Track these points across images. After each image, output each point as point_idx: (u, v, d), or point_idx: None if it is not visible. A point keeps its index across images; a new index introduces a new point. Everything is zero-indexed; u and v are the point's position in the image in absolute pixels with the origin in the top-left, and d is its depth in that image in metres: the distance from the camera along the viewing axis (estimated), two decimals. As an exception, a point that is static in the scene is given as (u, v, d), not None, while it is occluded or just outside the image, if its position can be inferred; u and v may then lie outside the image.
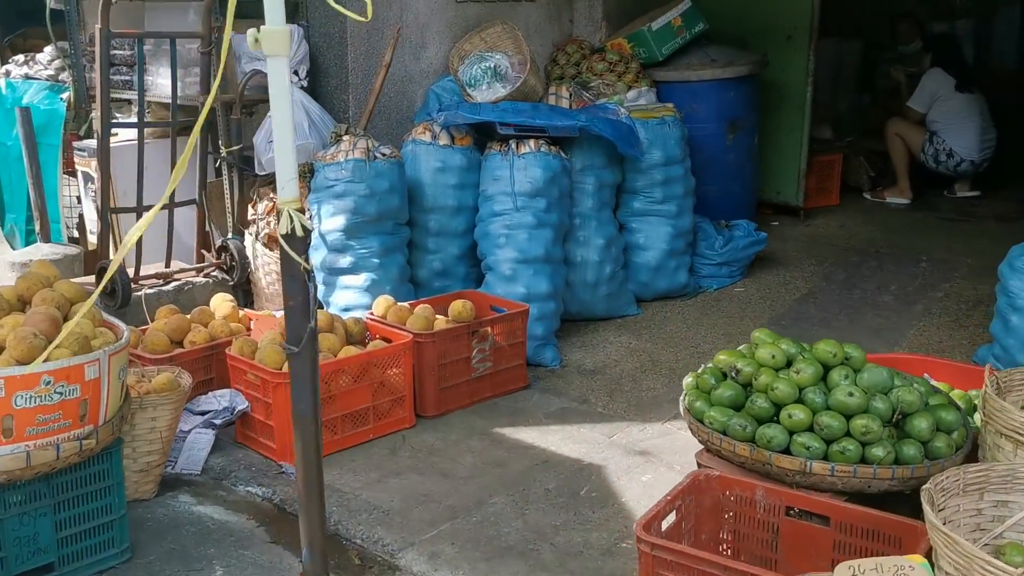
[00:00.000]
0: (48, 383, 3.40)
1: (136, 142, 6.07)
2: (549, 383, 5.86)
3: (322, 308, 6.08)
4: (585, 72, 7.58)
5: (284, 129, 2.76)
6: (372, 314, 5.59)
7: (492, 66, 6.96)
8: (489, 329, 5.53)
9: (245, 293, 6.62)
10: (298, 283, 2.85)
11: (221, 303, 5.65)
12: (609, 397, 5.62)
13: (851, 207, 9.62)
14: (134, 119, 6.39)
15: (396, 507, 4.39)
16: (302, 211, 2.84)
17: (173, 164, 6.02)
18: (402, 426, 5.21)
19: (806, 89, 8.47)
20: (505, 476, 4.67)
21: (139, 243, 6.13)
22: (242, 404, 4.92)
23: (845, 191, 9.81)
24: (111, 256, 6.08)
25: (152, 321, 5.46)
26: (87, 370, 3.52)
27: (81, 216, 7.50)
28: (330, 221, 5.90)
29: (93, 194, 7.08)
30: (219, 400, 4.97)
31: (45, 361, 3.45)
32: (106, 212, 5.91)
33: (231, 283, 6.47)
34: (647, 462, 4.80)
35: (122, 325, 3.98)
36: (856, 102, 10.92)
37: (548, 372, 5.99)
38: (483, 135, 6.51)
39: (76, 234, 7.57)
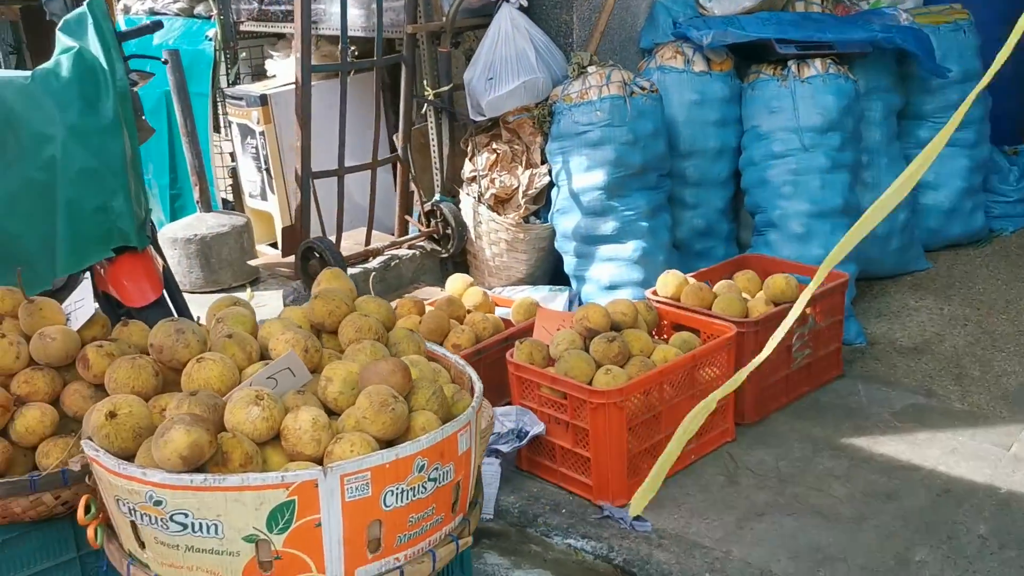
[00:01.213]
0: (422, 468, 2.29)
1: (293, 86, 4.85)
2: (866, 368, 4.70)
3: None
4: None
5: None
6: (655, 293, 4.42)
7: (736, -31, 5.62)
8: (809, 309, 4.35)
9: (456, 266, 5.48)
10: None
11: (464, 287, 4.50)
12: (959, 386, 4.45)
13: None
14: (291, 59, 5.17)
15: (792, 571, 3.28)
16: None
17: (343, 111, 4.81)
18: (723, 440, 4.09)
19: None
20: (908, 516, 3.54)
21: (339, 212, 4.99)
22: (535, 427, 3.81)
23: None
24: (309, 231, 4.93)
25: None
26: (460, 440, 2.40)
27: (234, 177, 6.36)
28: (584, 177, 4.70)
29: (253, 151, 5.92)
30: (503, 421, 3.85)
31: (410, 436, 2.34)
32: (307, 177, 4.73)
33: (444, 255, 5.32)
34: (1088, 488, 3.65)
35: (451, 356, 2.84)
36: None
37: (856, 353, 4.82)
38: (742, 57, 5.23)
39: (230, 197, 6.44)
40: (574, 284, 4.88)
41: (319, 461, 2.30)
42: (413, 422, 2.37)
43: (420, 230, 5.29)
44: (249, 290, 5.79)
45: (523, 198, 5.00)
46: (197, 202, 5.84)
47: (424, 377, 2.55)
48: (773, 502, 3.68)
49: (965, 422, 4.15)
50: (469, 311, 4.34)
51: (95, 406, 2.31)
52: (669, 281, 4.36)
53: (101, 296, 4.38)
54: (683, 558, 3.38)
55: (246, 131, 6.03)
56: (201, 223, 5.70)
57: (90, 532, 2.37)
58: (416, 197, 5.34)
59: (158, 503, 2.16)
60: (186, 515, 2.16)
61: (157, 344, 2.48)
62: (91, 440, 2.28)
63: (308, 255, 4.73)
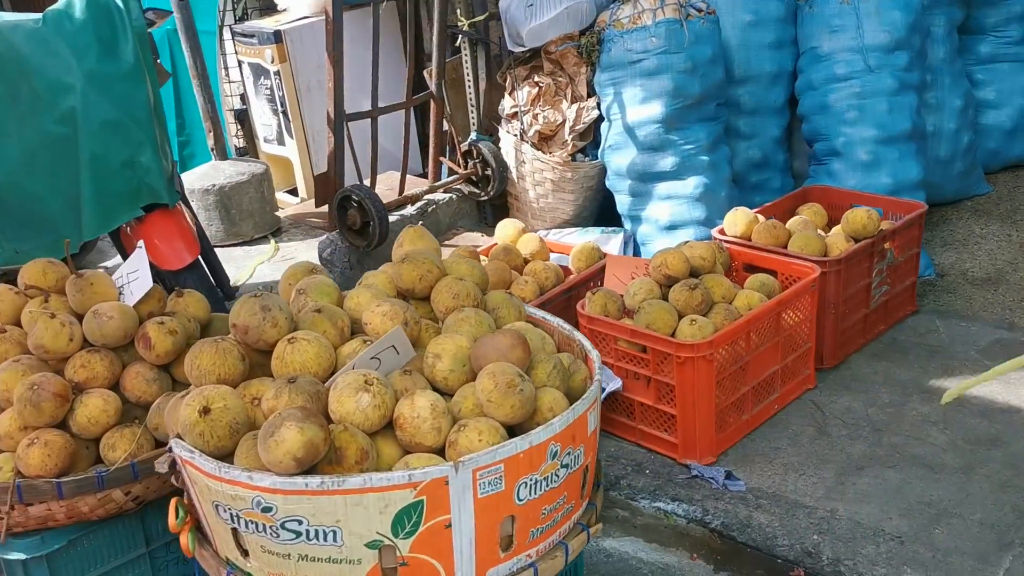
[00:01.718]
0: (555, 455, 2.03)
1: (308, 20, 4.47)
2: (939, 302, 4.46)
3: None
4: None
5: None
6: (722, 233, 4.14)
7: None
8: (889, 243, 4.09)
9: (495, 209, 5.17)
10: None
11: (517, 234, 4.20)
12: (1043, 319, 4.22)
13: None
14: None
15: (907, 530, 3.06)
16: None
17: (375, 46, 4.43)
18: (804, 388, 3.86)
19: None
20: (1018, 463, 3.33)
21: (373, 157, 4.66)
22: (612, 383, 3.56)
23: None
24: (343, 179, 4.60)
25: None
26: (589, 420, 2.14)
27: (243, 120, 5.99)
28: (640, 109, 4.38)
29: (268, 93, 5.55)
30: (576, 377, 3.58)
31: (536, 418, 2.07)
32: (341, 120, 4.38)
33: (483, 198, 5.01)
34: None
35: (551, 319, 2.57)
36: None
37: (927, 286, 4.57)
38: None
39: (240, 143, 6.07)
40: (628, 225, 4.60)
41: (439, 452, 2.04)
42: (539, 402, 2.11)
43: (457, 172, 4.96)
44: (273, 242, 5.47)
45: (570, 134, 4.67)
46: (212, 150, 5.48)
47: (539, 348, 2.28)
48: (871, 454, 3.45)
49: (1057, 358, 3.92)
50: (526, 260, 4.05)
51: (183, 400, 2.03)
52: (738, 219, 4.08)
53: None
54: (785, 519, 3.17)
55: (259, 71, 5.65)
56: (218, 172, 5.34)
57: (184, 539, 2.11)
58: (451, 137, 5.00)
59: (267, 510, 1.90)
60: (300, 522, 1.90)
61: (242, 324, 2.19)
62: (181, 439, 2.01)
63: (345, 204, 4.42)
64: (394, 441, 2.07)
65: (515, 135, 4.76)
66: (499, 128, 4.90)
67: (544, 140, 4.74)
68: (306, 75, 5.53)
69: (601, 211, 4.96)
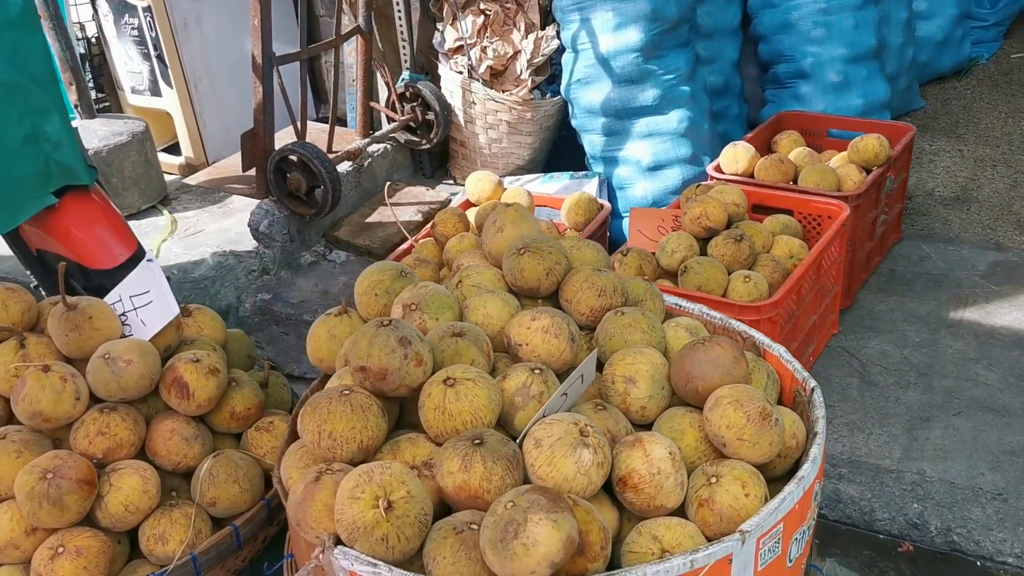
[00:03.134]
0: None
1: None
2: (918, 226, 4.33)
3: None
4: None
5: None
6: (718, 170, 3.77)
7: None
8: (891, 171, 3.85)
9: (433, 159, 4.57)
10: None
11: (494, 187, 3.67)
12: (1019, 230, 4.14)
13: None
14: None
15: (1004, 485, 2.86)
16: None
17: None
18: (831, 335, 3.59)
19: None
20: (1082, 397, 3.19)
21: (303, 106, 3.96)
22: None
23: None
24: (273, 136, 3.87)
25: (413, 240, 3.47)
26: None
27: (99, 65, 5.05)
28: (614, 37, 3.89)
29: (136, 34, 4.67)
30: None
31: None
32: (270, 65, 3.64)
33: (424, 146, 4.40)
34: None
35: (691, 306, 2.11)
36: None
37: (899, 209, 4.40)
38: None
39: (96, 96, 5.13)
40: (600, 168, 4.13)
41: (678, 512, 1.56)
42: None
43: (394, 119, 4.31)
44: (167, 214, 4.64)
45: (527, 69, 4.13)
46: (75, 106, 4.53)
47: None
48: (929, 402, 3.22)
49: (1061, 277, 3.84)
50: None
51: (344, 488, 1.43)
52: (739, 155, 3.70)
53: (34, 259, 3.25)
54: (875, 488, 2.89)
55: (122, 8, 4.72)
56: (90, 133, 4.43)
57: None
58: (381, 79, 4.34)
59: (498, 633, 1.37)
60: (545, 643, 1.38)
61: (377, 367, 1.59)
62: (351, 548, 1.42)
63: (284, 167, 3.71)
64: (607, 505, 1.57)
65: (460, 72, 4.16)
66: (437, 65, 4.28)
67: (494, 77, 4.18)
68: (182, 11, 4.66)
69: (554, 155, 4.46)
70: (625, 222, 3.92)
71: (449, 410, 1.57)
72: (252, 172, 3.93)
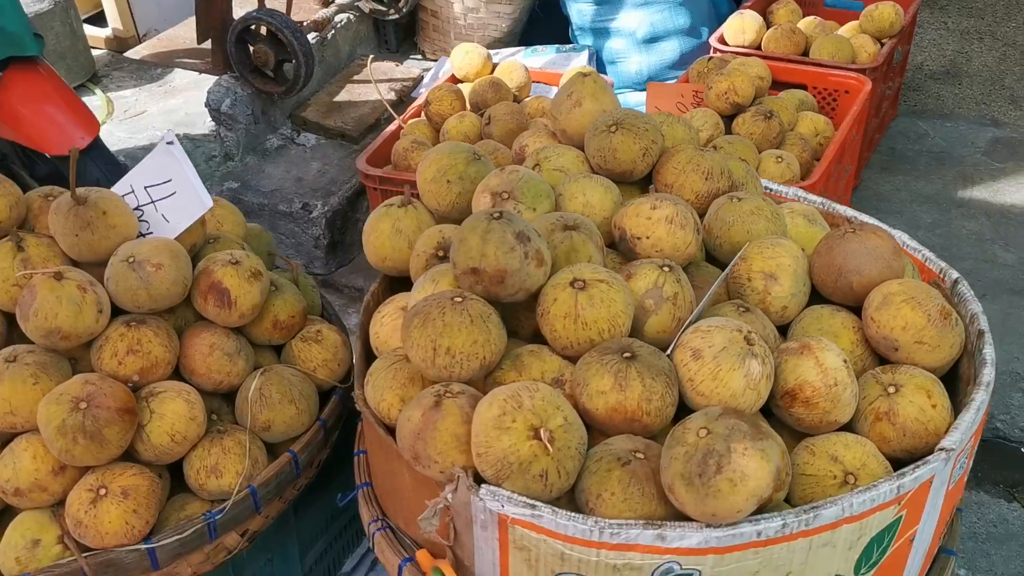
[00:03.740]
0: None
1: None
2: (911, 101, 4.21)
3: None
4: None
5: None
6: (722, 41, 3.50)
7: None
8: (901, 45, 3.65)
9: (398, 31, 4.17)
10: None
11: (483, 62, 3.33)
12: (1020, 110, 4.04)
13: None
14: None
15: (1045, 370, 2.79)
16: None
17: None
18: (841, 215, 3.42)
19: None
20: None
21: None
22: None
23: None
24: (231, 3, 3.43)
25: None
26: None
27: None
28: None
29: None
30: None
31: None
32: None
33: (392, 16, 4.00)
34: None
35: (783, 188, 1.88)
36: None
37: (890, 84, 4.24)
38: None
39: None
40: (587, 40, 3.81)
41: (845, 428, 1.36)
42: (939, 328, 1.45)
43: (356, -16, 3.89)
44: (100, 93, 4.14)
45: (510, -72, 3.74)
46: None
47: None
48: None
49: (1064, 152, 3.76)
50: (516, 97, 3.22)
51: (487, 417, 1.18)
52: (747, 25, 3.44)
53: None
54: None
55: None
56: None
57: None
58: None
59: (679, 578, 1.16)
60: (729, 585, 1.18)
61: (495, 268, 1.32)
62: (500, 487, 1.18)
63: (246, 38, 3.29)
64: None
65: (433, -68, 3.75)
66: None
67: (475, -64, 3.78)
68: None
69: (530, 26, 4.11)
70: (622, 99, 3.65)
71: (583, 318, 1.32)
72: (206, 45, 3.49)
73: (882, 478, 1.24)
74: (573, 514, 1.15)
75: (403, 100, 3.83)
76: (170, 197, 1.62)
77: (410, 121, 3.17)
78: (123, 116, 4.00)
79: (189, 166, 1.60)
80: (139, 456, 1.51)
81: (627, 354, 1.26)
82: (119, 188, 1.67)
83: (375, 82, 3.26)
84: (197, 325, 1.64)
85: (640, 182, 1.72)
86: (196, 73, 4.23)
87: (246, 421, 1.61)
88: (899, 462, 1.31)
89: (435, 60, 4.09)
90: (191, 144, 3.61)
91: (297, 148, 3.59)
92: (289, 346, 1.75)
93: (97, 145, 2.65)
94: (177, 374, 1.62)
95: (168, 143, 1.60)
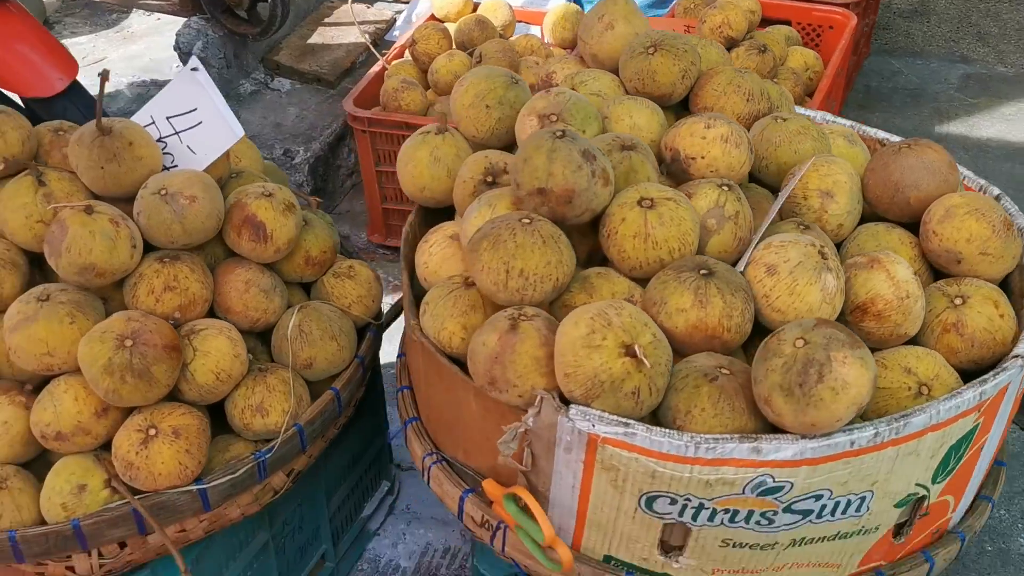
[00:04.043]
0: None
1: None
2: (882, 40, 4.25)
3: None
4: None
5: None
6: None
7: None
8: (872, -23, 3.66)
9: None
10: None
11: (464, 0, 3.26)
12: (988, 46, 4.16)
13: None
14: None
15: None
16: None
17: None
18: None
19: None
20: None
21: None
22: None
23: None
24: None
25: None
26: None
27: None
28: None
29: None
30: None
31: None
32: None
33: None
34: None
35: (812, 112, 1.87)
36: None
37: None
38: None
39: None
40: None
41: (911, 341, 1.36)
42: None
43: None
44: (54, 38, 3.96)
45: None
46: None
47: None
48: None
49: (1027, 86, 3.83)
50: (502, 34, 3.15)
51: (574, 336, 1.15)
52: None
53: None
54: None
55: None
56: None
57: (518, 539, 1.29)
58: None
59: (773, 491, 1.16)
60: (820, 496, 1.18)
61: (563, 187, 1.28)
62: (589, 407, 1.16)
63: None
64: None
65: None
66: None
67: None
68: None
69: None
70: (603, 38, 3.59)
71: (653, 236, 1.29)
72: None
73: (956, 388, 1.25)
74: (668, 430, 1.14)
75: (377, 43, 3.73)
76: (195, 128, 1.55)
77: (394, 62, 3.09)
78: (82, 63, 3.83)
79: (216, 93, 1.53)
80: (182, 396, 1.45)
81: (704, 271, 1.24)
82: (139, 119, 1.59)
83: (358, 24, 3.17)
84: (230, 261, 1.58)
85: (676, 106, 1.70)
86: (155, 18, 4.08)
87: (285, 359, 1.56)
88: (964, 373, 1.32)
89: (407, 2, 3.99)
90: (159, 90, 3.48)
91: (272, 93, 3.48)
92: (321, 283, 1.70)
93: (75, 87, 2.53)
94: (210, 313, 1.56)
95: (193, 69, 1.52)
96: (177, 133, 1.56)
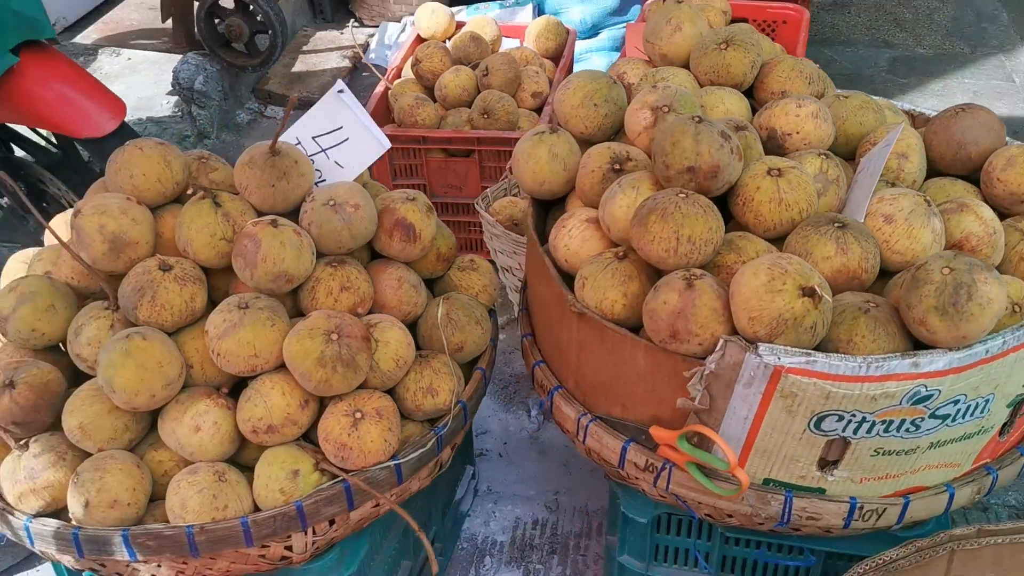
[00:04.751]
0: None
1: None
2: (811, 32, 4.56)
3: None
4: None
5: None
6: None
7: None
8: (809, -25, 4.01)
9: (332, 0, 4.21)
10: None
11: (449, 21, 3.46)
12: (905, 31, 4.56)
13: None
14: None
15: None
16: None
17: None
18: (786, 135, 3.76)
19: None
20: None
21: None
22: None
23: None
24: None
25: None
26: None
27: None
28: None
29: None
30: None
31: None
32: None
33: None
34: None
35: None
36: None
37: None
38: None
39: None
40: (527, -8, 3.99)
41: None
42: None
43: (293, -46, 3.90)
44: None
45: None
46: None
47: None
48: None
49: (946, 65, 4.23)
50: (493, 48, 3.36)
51: (756, 284, 1.37)
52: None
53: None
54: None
55: None
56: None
57: (683, 475, 1.51)
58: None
59: (924, 399, 1.40)
60: (957, 401, 1.43)
61: (709, 163, 1.50)
62: (772, 344, 1.38)
63: (216, 12, 3.27)
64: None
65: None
66: None
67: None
68: None
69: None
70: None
71: (786, 200, 1.52)
72: (130, 27, 3.44)
73: (1044, 304, 1.52)
74: (844, 355, 1.36)
75: (356, 67, 3.89)
76: (342, 144, 1.70)
77: (396, 81, 3.26)
78: (64, 107, 3.86)
79: (362, 110, 1.70)
80: (367, 383, 1.61)
81: (838, 224, 1.48)
82: (291, 136, 1.74)
83: (356, 48, 3.32)
84: (379, 262, 1.74)
85: (743, 94, 1.94)
86: (124, 58, 4.13)
87: (437, 346, 1.73)
88: (1036, 295, 1.59)
89: (375, 26, 4.16)
90: (157, 127, 3.56)
91: (268, 121, 3.60)
92: (448, 277, 1.87)
93: (124, 127, 2.62)
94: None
95: (339, 92, 1.68)
96: (324, 150, 1.71)
